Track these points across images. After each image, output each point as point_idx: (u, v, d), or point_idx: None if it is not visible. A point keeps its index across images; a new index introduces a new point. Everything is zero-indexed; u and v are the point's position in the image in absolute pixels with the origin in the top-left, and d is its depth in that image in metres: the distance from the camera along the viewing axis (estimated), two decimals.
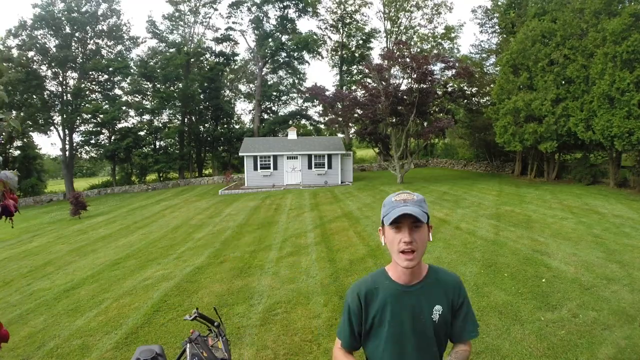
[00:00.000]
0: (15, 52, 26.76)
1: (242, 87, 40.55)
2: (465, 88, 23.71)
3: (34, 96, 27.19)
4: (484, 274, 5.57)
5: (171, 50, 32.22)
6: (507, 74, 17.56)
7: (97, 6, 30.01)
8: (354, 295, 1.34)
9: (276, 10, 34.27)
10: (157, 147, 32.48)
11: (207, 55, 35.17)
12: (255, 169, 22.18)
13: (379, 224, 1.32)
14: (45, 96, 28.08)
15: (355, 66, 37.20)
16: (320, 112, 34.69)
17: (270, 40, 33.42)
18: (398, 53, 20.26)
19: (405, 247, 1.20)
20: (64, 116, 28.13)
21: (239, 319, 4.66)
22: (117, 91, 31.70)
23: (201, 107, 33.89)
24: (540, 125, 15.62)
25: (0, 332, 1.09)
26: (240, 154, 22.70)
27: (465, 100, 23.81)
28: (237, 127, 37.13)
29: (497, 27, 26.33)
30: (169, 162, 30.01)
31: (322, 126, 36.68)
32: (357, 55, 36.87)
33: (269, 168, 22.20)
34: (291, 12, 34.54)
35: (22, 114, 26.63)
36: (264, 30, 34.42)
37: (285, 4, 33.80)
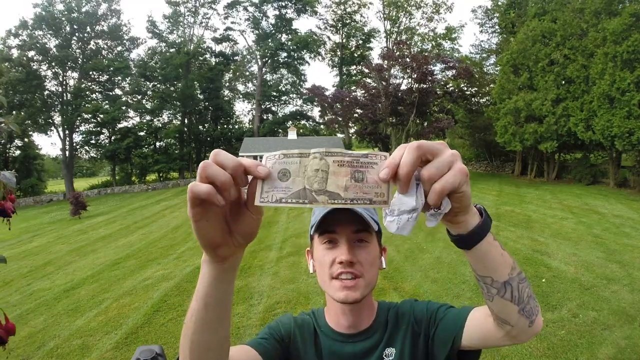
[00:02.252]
0: (15, 52, 26.79)
1: (242, 87, 40.61)
2: (465, 88, 23.72)
3: (34, 96, 27.19)
4: None
5: (171, 50, 32.24)
6: (507, 73, 17.56)
7: (97, 6, 30.04)
8: (287, 319, 0.93)
9: (274, 10, 34.33)
10: (157, 147, 32.48)
11: (207, 56, 35.20)
12: None
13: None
14: (45, 96, 28.09)
15: (354, 66, 37.20)
16: (320, 112, 34.75)
17: (270, 40, 33.43)
18: (398, 53, 20.28)
19: (342, 270, 0.76)
20: (64, 116, 28.13)
21: (239, 319, 4.66)
22: (117, 91, 31.75)
23: (201, 107, 33.90)
24: (540, 125, 15.62)
25: (7, 325, 1.09)
26: (240, 154, 22.69)
27: (465, 101, 23.82)
28: (236, 127, 37.17)
29: (497, 27, 26.32)
30: (169, 162, 30.00)
31: (322, 126, 36.71)
32: (356, 55, 36.89)
33: None
34: (289, 12, 34.59)
35: (22, 113, 26.64)
36: (263, 30, 34.43)
37: (282, 3, 33.83)
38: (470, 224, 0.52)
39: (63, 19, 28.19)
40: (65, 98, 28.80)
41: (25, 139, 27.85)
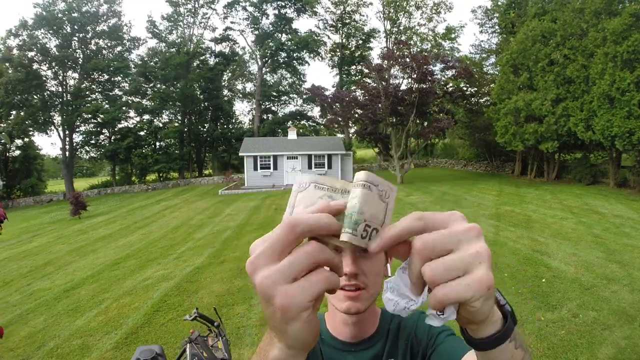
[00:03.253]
0: (15, 52, 26.77)
1: (242, 87, 40.63)
2: (465, 88, 23.72)
3: (34, 96, 27.19)
4: None
5: (171, 50, 32.26)
6: (507, 74, 17.56)
7: (98, 7, 30.05)
8: None
9: (274, 9, 34.33)
10: (157, 147, 32.49)
11: (207, 56, 35.22)
12: (255, 169, 22.17)
13: None
14: (46, 96, 28.09)
15: (354, 66, 37.22)
16: (320, 112, 34.78)
17: (270, 40, 33.44)
18: (398, 53, 20.28)
19: (345, 282, 0.73)
20: (64, 116, 28.13)
21: (239, 319, 4.66)
22: (117, 91, 31.73)
23: (201, 107, 33.91)
24: (540, 125, 15.62)
25: None
26: (240, 154, 22.69)
27: (465, 101, 23.84)
28: (236, 127, 37.18)
29: (497, 27, 26.33)
30: (169, 162, 30.00)
31: (322, 126, 36.73)
32: (356, 55, 36.91)
33: (269, 168, 22.19)
34: (289, 12, 34.59)
35: (22, 113, 26.64)
36: (263, 30, 34.44)
37: (282, 3, 33.83)
38: (484, 333, 0.40)
39: (64, 18, 28.18)
40: (65, 98, 28.79)
41: (25, 139, 27.86)
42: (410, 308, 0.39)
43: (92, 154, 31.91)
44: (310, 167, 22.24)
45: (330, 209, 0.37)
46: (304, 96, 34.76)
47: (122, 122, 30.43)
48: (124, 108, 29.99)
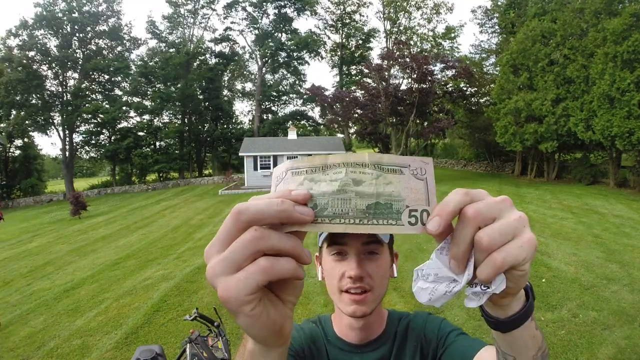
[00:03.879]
0: (16, 52, 26.78)
1: (242, 87, 40.65)
2: (465, 88, 23.74)
3: (34, 96, 27.20)
4: None
5: (171, 50, 32.28)
6: (507, 74, 17.56)
7: (98, 6, 30.06)
8: (296, 331, 0.86)
9: (274, 9, 34.36)
10: (157, 147, 32.50)
11: (207, 56, 35.24)
12: (255, 169, 22.17)
13: None
14: (46, 96, 28.09)
15: (354, 66, 37.26)
16: (320, 112, 34.82)
17: (270, 40, 33.48)
18: (398, 53, 20.30)
19: (351, 285, 0.74)
20: (64, 116, 28.13)
21: None
22: (117, 91, 31.76)
23: (201, 107, 33.93)
24: (540, 125, 15.62)
25: None
26: (240, 154, 22.70)
27: (465, 101, 23.86)
28: (236, 127, 37.22)
29: (497, 27, 26.34)
30: (169, 162, 30.01)
31: (322, 126, 36.77)
32: (356, 55, 36.95)
33: (269, 168, 22.19)
34: (289, 12, 34.63)
35: (22, 113, 26.65)
36: (263, 30, 34.48)
37: (282, 2, 33.86)
38: (513, 309, 0.42)
39: (64, 18, 28.20)
40: (65, 98, 28.80)
41: (25, 139, 27.86)
42: (453, 291, 0.36)
43: (92, 154, 31.91)
44: None
45: (291, 197, 0.35)
46: (304, 96, 34.79)
47: (122, 122, 30.45)
48: (124, 108, 29.99)
